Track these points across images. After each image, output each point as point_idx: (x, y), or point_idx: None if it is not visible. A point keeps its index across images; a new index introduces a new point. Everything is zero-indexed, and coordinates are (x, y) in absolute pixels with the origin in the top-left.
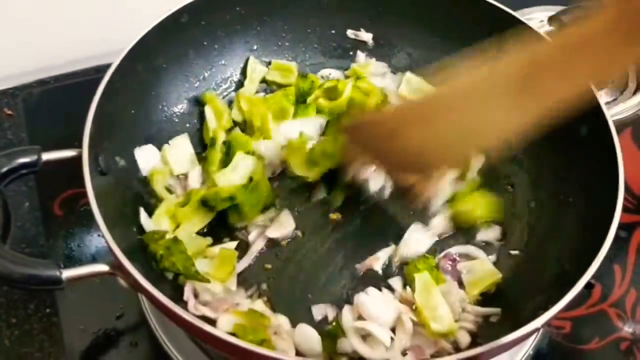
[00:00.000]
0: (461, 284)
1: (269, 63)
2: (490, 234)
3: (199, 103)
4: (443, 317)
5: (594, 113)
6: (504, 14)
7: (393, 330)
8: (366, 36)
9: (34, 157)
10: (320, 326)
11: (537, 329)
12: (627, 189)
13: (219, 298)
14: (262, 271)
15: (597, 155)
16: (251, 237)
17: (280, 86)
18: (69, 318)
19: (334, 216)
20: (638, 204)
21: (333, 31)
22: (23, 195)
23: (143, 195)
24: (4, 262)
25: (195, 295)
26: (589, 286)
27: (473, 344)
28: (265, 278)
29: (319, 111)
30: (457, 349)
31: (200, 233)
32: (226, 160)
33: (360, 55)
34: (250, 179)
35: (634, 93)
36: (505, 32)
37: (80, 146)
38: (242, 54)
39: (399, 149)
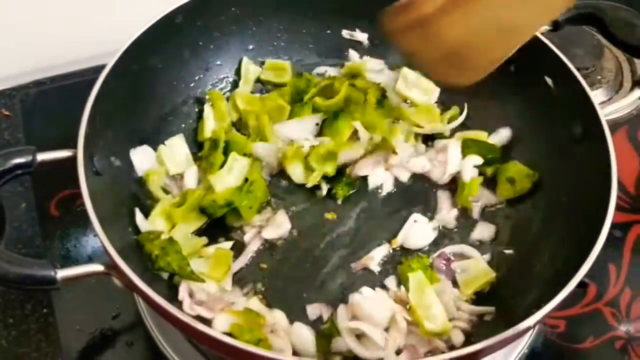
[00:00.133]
0: (455, 283)
1: (263, 63)
2: (485, 233)
3: (195, 103)
4: (437, 316)
5: (588, 113)
6: None
7: (387, 329)
8: (361, 36)
9: (29, 158)
10: (315, 325)
11: (529, 328)
12: (622, 188)
13: (215, 297)
14: (257, 271)
15: (591, 154)
16: (247, 238)
17: (275, 85)
18: (65, 318)
19: (329, 216)
20: (633, 204)
21: (328, 31)
22: (19, 195)
23: (139, 195)
24: None
25: (191, 295)
26: (583, 285)
27: (467, 342)
28: (260, 278)
29: (315, 109)
30: (452, 348)
31: (196, 233)
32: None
33: (355, 55)
34: (246, 180)
35: (629, 92)
36: None
37: (75, 146)
38: (237, 54)
39: (437, 39)
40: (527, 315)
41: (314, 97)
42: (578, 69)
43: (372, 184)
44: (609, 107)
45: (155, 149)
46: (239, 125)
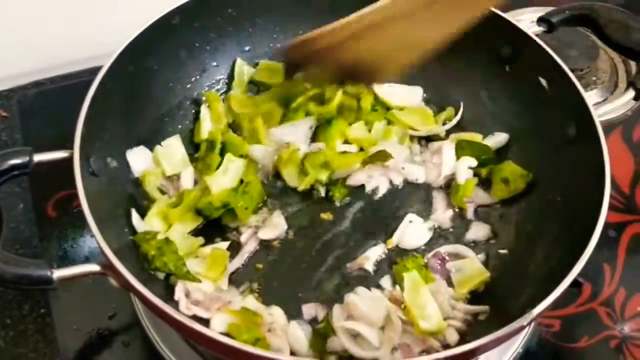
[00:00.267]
0: (450, 283)
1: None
2: (480, 233)
3: (191, 104)
4: (432, 315)
5: (582, 114)
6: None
7: (383, 328)
8: None
9: (26, 159)
10: (310, 325)
11: (523, 326)
12: (617, 188)
13: (211, 297)
14: (253, 271)
15: (584, 155)
16: (243, 238)
17: (269, 87)
18: (62, 318)
19: (325, 216)
20: (627, 204)
21: None
22: (17, 196)
23: (135, 196)
24: None
25: (187, 295)
26: (578, 285)
27: (462, 342)
28: (256, 277)
29: (308, 114)
30: (446, 347)
31: (192, 233)
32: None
33: None
34: (241, 181)
35: (624, 93)
36: (490, 31)
37: (72, 147)
38: (234, 55)
39: (338, 61)
40: (521, 314)
41: (305, 103)
42: (573, 70)
43: (368, 187)
44: (604, 108)
45: (151, 149)
46: (235, 126)
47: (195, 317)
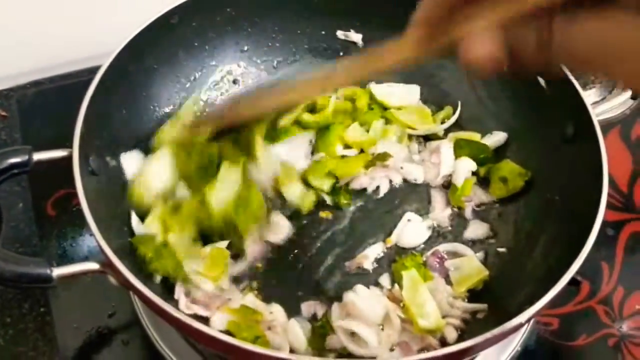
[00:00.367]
0: (449, 281)
1: (259, 64)
2: (478, 231)
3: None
4: (430, 313)
5: (580, 113)
6: None
7: (382, 326)
8: (356, 37)
9: (25, 157)
10: (309, 323)
11: (521, 324)
12: (615, 187)
13: (211, 295)
14: (252, 269)
15: (582, 154)
16: (247, 244)
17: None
18: (62, 317)
19: (324, 214)
20: (626, 202)
21: (323, 32)
22: (16, 195)
23: None
24: None
25: (187, 293)
26: (576, 283)
27: (460, 339)
28: (255, 276)
29: (304, 127)
30: (445, 345)
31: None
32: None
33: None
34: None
35: (622, 92)
36: None
37: (71, 146)
38: (232, 55)
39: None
40: (519, 312)
41: (299, 116)
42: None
43: (370, 189)
44: (602, 107)
45: (150, 150)
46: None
47: (194, 316)
